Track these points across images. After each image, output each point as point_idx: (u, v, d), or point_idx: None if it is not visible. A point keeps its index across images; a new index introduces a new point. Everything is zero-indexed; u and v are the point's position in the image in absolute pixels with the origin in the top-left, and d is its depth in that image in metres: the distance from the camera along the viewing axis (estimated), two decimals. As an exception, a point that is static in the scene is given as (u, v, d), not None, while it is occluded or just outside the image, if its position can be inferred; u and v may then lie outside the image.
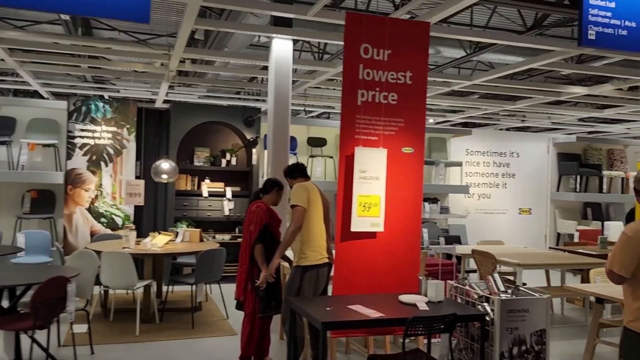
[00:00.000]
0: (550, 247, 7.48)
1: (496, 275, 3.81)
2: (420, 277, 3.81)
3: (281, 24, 5.50)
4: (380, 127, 4.11)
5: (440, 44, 7.30)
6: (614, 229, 9.59)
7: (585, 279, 6.80)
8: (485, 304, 3.55)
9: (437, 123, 12.88)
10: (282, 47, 5.58)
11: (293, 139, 8.42)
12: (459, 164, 9.39)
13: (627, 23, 3.71)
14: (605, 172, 10.25)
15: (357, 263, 4.02)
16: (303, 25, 5.71)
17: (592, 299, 5.61)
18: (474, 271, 6.87)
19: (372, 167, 4.01)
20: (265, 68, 6.23)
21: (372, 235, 4.07)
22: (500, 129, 12.42)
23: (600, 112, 10.65)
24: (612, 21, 3.68)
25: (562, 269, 6.66)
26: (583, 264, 6.09)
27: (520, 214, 10.40)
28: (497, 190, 10.27)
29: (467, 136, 9.92)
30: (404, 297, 3.62)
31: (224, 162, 8.38)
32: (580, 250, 6.91)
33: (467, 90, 10.01)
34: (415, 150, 4.24)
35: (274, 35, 5.55)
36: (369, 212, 3.99)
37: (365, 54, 4.07)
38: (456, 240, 7.60)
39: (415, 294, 3.76)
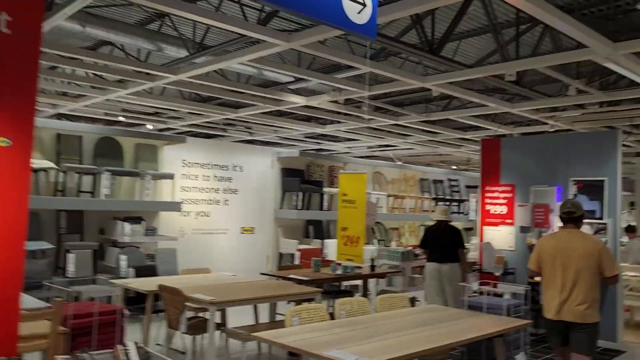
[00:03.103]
0: (261, 273, 6.55)
1: (131, 344, 2.40)
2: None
3: None
4: (-63, 99, 2.36)
5: (162, 40, 6.02)
6: (333, 247, 9.33)
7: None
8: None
9: (160, 130, 11.32)
10: None
11: None
12: (171, 177, 7.97)
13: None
14: (326, 189, 10.04)
15: None
16: None
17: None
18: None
19: None
20: None
21: None
22: (233, 142, 11.50)
23: (323, 128, 10.51)
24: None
25: (271, 302, 5.71)
26: (291, 295, 5.19)
27: (242, 233, 9.47)
28: (218, 207, 9.17)
29: (185, 146, 8.60)
30: None
31: None
32: (292, 276, 6.09)
33: (208, 95, 8.75)
34: (15, 143, 2.59)
35: None
36: None
37: None
38: (150, 270, 6.12)
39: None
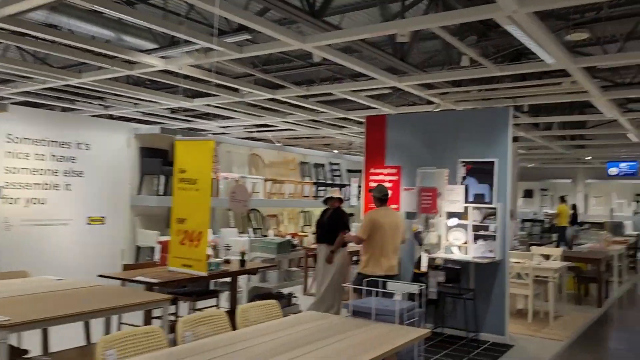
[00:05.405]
0: (99, 275, 5.19)
1: None
2: None
3: None
4: None
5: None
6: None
7: (148, 321, 4.75)
8: None
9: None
10: None
11: None
12: (-14, 154, 6.24)
13: None
14: (194, 172, 8.74)
15: None
16: None
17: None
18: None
19: None
20: None
21: None
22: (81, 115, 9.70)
23: (190, 102, 9.19)
24: None
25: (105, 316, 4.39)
26: (127, 307, 3.95)
27: (89, 224, 7.90)
28: (57, 193, 7.51)
29: (9, 117, 6.85)
30: None
31: None
32: (139, 278, 4.85)
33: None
34: None
35: None
36: None
37: None
38: None
39: None
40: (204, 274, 4.85)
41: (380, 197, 5.63)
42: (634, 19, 5.60)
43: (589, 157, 16.22)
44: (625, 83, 7.51)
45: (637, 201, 18.51)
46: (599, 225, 16.04)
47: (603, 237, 11.41)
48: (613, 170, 15.89)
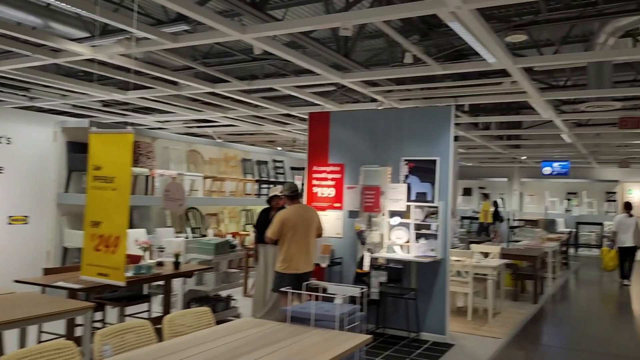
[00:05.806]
0: (15, 280, 4.74)
1: None
2: None
3: None
4: None
5: None
6: (137, 236, 7.70)
7: (71, 330, 4.40)
8: None
9: None
10: None
11: None
12: None
13: None
14: (127, 169, 8.27)
15: None
16: None
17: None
18: None
19: None
20: None
21: None
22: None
23: (124, 95, 8.70)
24: None
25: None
26: (43, 317, 3.58)
27: (10, 224, 7.31)
28: (-27, 190, 6.91)
29: None
30: None
31: None
32: (61, 284, 4.46)
33: None
34: None
35: None
36: None
37: None
38: None
39: None
40: (121, 283, 4.46)
41: (290, 195, 5.55)
42: (569, 23, 5.70)
43: (525, 157, 16.74)
44: (560, 85, 7.71)
45: (569, 199, 19.32)
46: (533, 223, 16.61)
47: (538, 234, 11.77)
48: (547, 170, 16.47)
